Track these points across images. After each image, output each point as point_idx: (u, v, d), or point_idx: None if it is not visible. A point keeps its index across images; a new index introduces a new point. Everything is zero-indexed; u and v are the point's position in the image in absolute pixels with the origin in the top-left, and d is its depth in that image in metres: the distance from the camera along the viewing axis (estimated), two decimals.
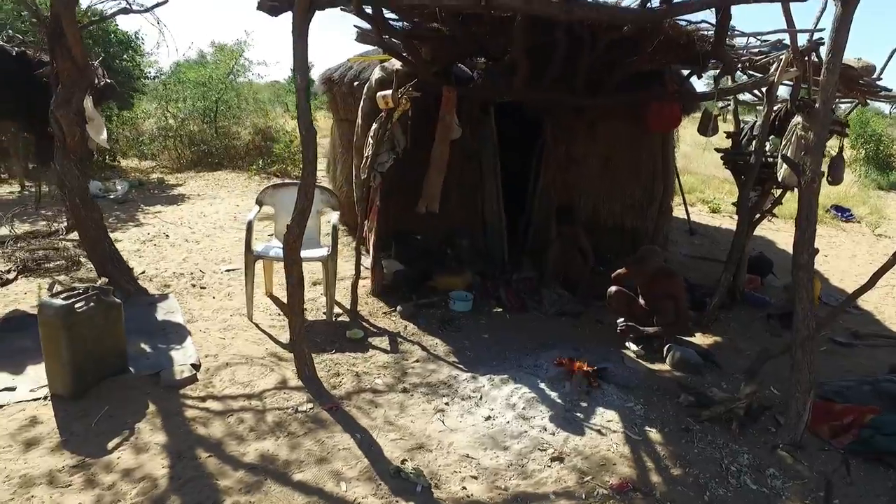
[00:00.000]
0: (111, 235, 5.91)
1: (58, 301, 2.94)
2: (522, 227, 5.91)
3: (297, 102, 2.92)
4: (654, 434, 2.98)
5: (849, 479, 2.66)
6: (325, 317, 4.27)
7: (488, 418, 3.05)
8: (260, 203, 4.51)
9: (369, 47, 5.43)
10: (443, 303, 4.67)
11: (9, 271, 4.85)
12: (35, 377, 3.20)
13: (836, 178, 4.59)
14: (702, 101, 5.16)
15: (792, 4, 3.29)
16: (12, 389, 3.09)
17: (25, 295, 4.45)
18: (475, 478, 2.58)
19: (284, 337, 3.94)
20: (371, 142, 4.07)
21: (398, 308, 4.48)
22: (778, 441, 2.89)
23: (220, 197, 8.65)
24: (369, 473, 2.56)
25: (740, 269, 4.94)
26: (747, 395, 3.18)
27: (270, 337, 3.95)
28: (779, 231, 8.30)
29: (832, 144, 4.87)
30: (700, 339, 4.32)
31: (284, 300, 4.52)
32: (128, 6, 4.33)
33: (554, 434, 2.93)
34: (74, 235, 5.83)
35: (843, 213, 9.39)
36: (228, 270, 5.20)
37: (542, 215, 5.73)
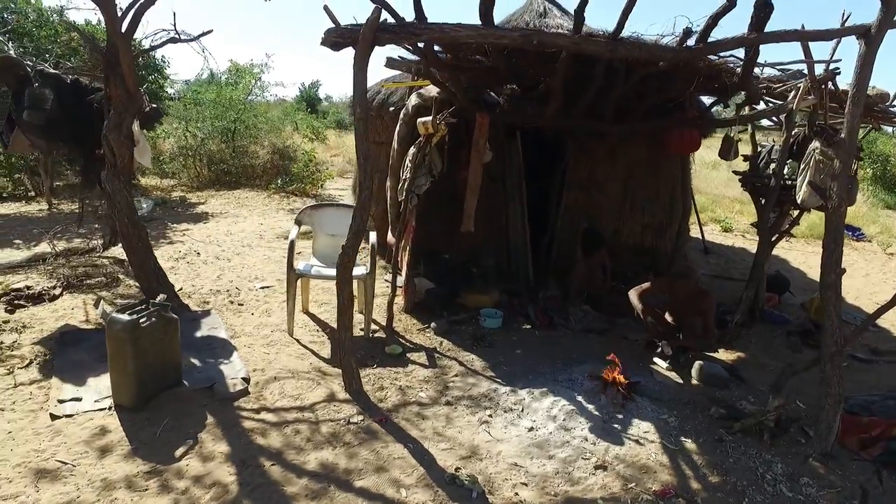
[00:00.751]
0: None
1: (125, 316, 3.11)
2: (545, 247, 6.09)
3: (356, 131, 3.12)
4: (689, 444, 3.12)
5: (881, 488, 2.80)
6: (362, 333, 4.42)
7: (531, 429, 3.20)
8: (299, 223, 4.70)
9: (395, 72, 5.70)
10: (473, 320, 4.84)
11: (54, 287, 5.03)
12: (96, 388, 3.36)
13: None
14: (723, 127, 5.37)
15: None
16: (79, 400, 3.25)
17: (73, 311, 4.63)
18: (525, 484, 2.73)
19: (325, 352, 4.11)
20: (409, 165, 4.27)
21: (432, 325, 4.64)
22: (809, 451, 3.03)
23: (243, 215, 8.86)
24: (426, 481, 2.71)
25: (760, 288, 5.09)
26: (776, 408, 3.32)
27: (312, 352, 4.11)
28: (791, 250, 8.46)
29: None
30: (724, 355, 4.47)
31: (321, 317, 4.74)
32: (176, 36, 4.57)
33: (595, 444, 3.08)
34: (111, 252, 6.06)
35: (853, 232, 9.56)
36: (263, 288, 5.38)
37: (564, 235, 5.92)
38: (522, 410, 3.39)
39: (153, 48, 4.66)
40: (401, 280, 4.99)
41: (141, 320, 3.15)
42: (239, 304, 4.93)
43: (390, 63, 4.36)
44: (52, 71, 4.76)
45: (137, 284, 4.75)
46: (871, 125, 4.91)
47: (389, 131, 6.20)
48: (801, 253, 8.31)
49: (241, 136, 12.33)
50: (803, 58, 3.81)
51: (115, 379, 3.18)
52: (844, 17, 3.50)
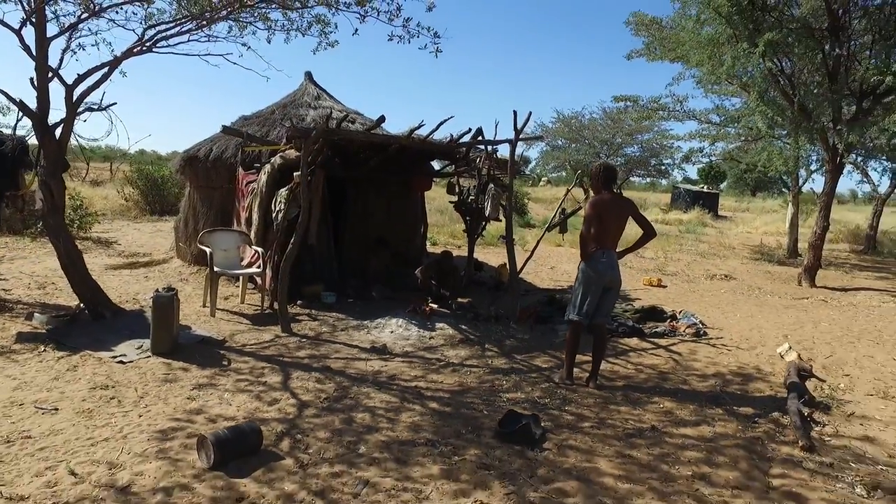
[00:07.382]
0: None
1: (166, 293, 5.08)
2: (338, 254, 9.07)
3: (303, 189, 5.73)
4: (464, 327, 6.66)
5: (533, 329, 6.80)
6: (258, 310, 6.76)
7: (392, 332, 6.28)
8: (201, 242, 6.75)
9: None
10: (316, 300, 7.54)
11: None
12: (125, 350, 5.11)
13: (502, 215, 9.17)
14: (446, 176, 9.31)
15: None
16: (124, 355, 4.99)
17: (3, 325, 5.70)
18: (404, 346, 5.83)
19: (245, 321, 6.39)
20: (282, 201, 6.84)
21: (298, 302, 7.22)
22: (511, 324, 6.90)
23: (31, 258, 9.29)
24: (361, 351, 5.57)
25: (471, 266, 9.12)
26: (494, 311, 7.14)
27: (238, 322, 6.32)
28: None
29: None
30: (460, 299, 8.24)
31: (218, 305, 6.85)
32: (91, 106, 6.14)
33: (425, 332, 6.34)
34: None
35: (504, 239, 14.95)
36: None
37: (351, 245, 9.00)
38: (384, 327, 6.44)
39: (78, 113, 6.08)
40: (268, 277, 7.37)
41: (175, 296, 5.14)
42: (150, 307, 6.59)
43: (226, 130, 6.84)
44: None
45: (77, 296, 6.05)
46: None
47: (222, 178, 8.41)
48: (478, 251, 13.09)
49: None
50: (484, 144, 7.89)
51: (157, 335, 5.07)
52: (496, 124, 7.68)
